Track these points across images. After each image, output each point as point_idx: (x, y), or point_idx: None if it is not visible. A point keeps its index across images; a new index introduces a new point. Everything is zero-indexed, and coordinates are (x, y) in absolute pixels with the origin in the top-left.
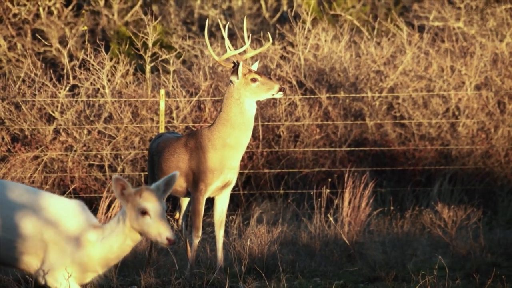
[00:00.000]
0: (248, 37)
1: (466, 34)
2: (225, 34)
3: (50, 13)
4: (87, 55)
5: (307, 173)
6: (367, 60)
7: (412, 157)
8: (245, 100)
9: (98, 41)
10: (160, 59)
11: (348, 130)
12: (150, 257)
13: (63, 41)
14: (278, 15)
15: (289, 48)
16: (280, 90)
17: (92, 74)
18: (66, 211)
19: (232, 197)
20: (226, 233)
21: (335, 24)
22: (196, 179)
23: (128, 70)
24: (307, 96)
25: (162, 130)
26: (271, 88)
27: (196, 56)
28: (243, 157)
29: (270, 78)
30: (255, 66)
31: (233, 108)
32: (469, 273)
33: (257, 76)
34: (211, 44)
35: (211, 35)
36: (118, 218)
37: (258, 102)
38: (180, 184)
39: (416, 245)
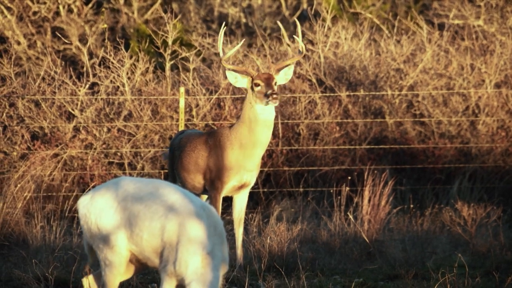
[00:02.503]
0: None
1: (486, 32)
2: (220, 42)
3: (70, 11)
4: (107, 53)
5: (326, 171)
6: (387, 58)
7: (432, 155)
8: (255, 104)
9: (118, 39)
10: (180, 57)
11: (368, 128)
12: None
13: (83, 39)
14: (298, 13)
15: (309, 46)
16: (266, 95)
17: (112, 72)
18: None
19: (252, 195)
20: (246, 231)
21: (355, 22)
22: (213, 176)
23: (148, 68)
24: (327, 94)
25: (181, 128)
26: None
27: (216, 54)
28: (263, 155)
29: (269, 83)
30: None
31: (247, 111)
32: (489, 271)
33: (259, 81)
34: (230, 42)
35: (231, 33)
36: None
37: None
38: (199, 180)
39: (436, 243)
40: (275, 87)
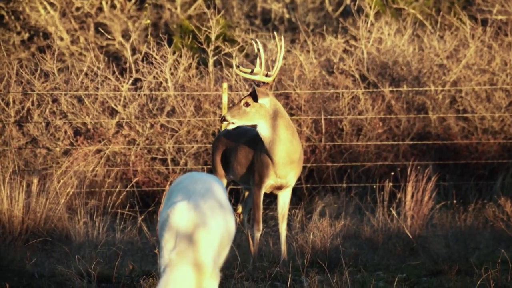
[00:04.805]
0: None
1: None
2: (262, 59)
3: (113, 6)
4: (150, 49)
5: (369, 166)
6: (430, 54)
7: (475, 150)
8: None
9: (161, 35)
10: (223, 52)
11: (411, 123)
12: None
13: (126, 34)
14: (341, 8)
15: (352, 42)
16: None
17: (155, 67)
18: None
19: (295, 191)
20: (289, 226)
21: (398, 18)
22: (254, 170)
23: (191, 63)
24: (370, 90)
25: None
26: None
27: (258, 49)
28: (305, 151)
29: (237, 103)
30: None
31: None
32: None
33: None
34: (273, 38)
35: (274, 28)
36: None
37: (321, 96)
38: (246, 173)
39: (479, 239)
40: (239, 110)
